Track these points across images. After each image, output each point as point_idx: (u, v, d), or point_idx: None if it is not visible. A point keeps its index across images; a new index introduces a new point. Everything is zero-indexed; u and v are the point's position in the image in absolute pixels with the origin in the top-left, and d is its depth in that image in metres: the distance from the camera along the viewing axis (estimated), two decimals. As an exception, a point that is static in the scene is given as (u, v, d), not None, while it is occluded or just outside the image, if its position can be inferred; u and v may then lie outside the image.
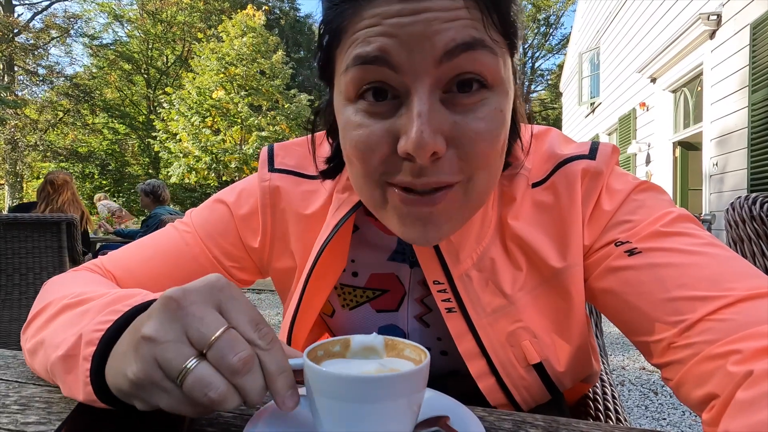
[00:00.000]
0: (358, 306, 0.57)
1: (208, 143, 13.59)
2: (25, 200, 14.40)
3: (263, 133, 13.70)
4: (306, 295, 0.51)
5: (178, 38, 19.91)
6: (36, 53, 17.23)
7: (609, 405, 0.67)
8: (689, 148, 6.06)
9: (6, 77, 15.64)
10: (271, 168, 0.55)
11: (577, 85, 10.27)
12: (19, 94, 16.55)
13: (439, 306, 0.48)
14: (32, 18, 17.62)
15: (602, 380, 0.75)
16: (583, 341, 0.50)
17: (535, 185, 0.48)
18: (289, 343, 0.54)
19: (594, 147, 0.48)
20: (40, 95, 17.84)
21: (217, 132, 14.01)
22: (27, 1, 17.56)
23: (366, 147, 0.38)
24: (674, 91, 6.12)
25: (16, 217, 2.55)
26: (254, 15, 14.64)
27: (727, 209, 0.84)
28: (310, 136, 0.53)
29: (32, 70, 17.34)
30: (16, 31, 16.02)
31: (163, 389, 0.28)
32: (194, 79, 14.09)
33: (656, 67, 6.05)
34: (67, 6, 19.44)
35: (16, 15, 16.92)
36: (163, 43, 20.01)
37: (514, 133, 0.46)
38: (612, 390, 0.73)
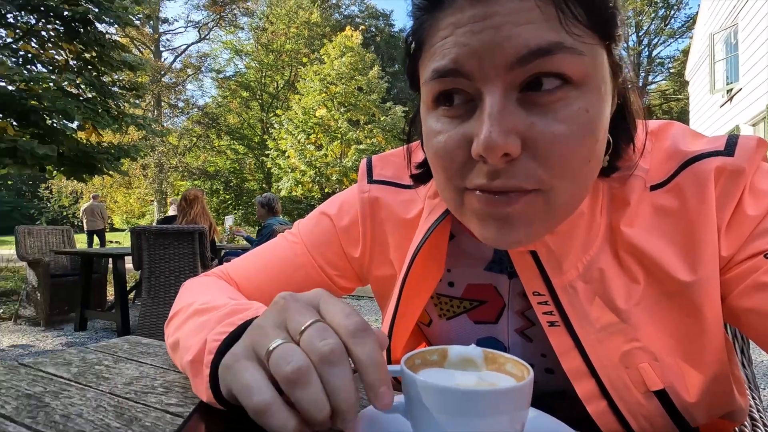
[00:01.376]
0: (455, 316, 0.55)
1: (312, 158, 14.70)
2: (168, 214, 17.08)
3: (361, 146, 14.38)
4: (402, 302, 0.51)
5: (286, 65, 22.00)
6: (177, 89, 20.49)
7: (763, 449, 0.55)
8: None
9: (155, 111, 18.83)
10: (370, 179, 0.57)
11: (708, 70, 8.89)
12: (165, 124, 19.77)
13: (540, 319, 0.45)
14: (174, 60, 21.04)
15: (753, 419, 0.63)
16: (721, 369, 0.43)
17: (654, 188, 0.42)
18: (388, 351, 0.55)
19: (731, 141, 0.41)
20: (179, 124, 21.14)
21: (319, 147, 15.09)
22: (170, 47, 21.02)
23: (444, 153, 0.37)
24: None
25: (162, 228, 3.03)
26: (352, 35, 15.53)
27: None
28: (405, 146, 0.54)
29: (174, 104, 20.65)
30: (162, 73, 19.24)
31: (251, 367, 0.30)
32: (300, 100, 15.41)
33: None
34: (199, 47, 22.89)
35: (162, 59, 20.34)
36: (274, 70, 22.29)
37: (626, 133, 0.42)
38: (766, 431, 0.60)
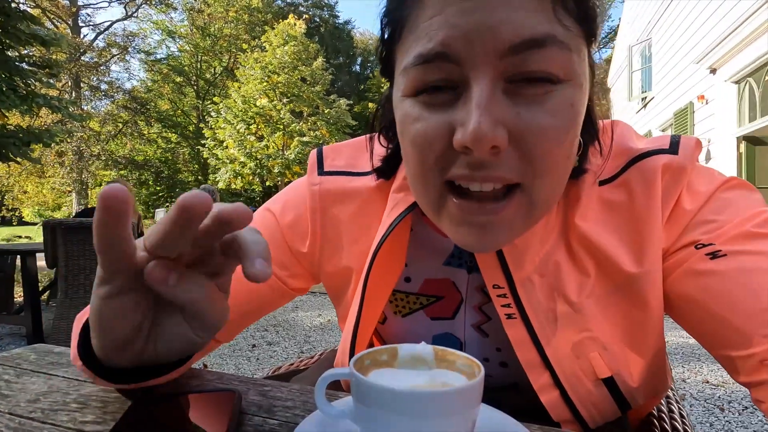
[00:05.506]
0: (411, 313, 0.54)
1: (253, 149, 14.11)
2: (89, 206, 15.55)
3: (304, 138, 14.04)
4: (366, 300, 0.49)
5: (224, 50, 20.85)
6: (99, 70, 18.63)
7: (677, 424, 0.60)
8: (756, 143, 5.57)
9: (73, 93, 17.00)
10: (321, 171, 0.54)
11: (626, 79, 9.74)
12: (84, 108, 17.93)
13: (499, 312, 0.45)
14: (96, 38, 19.07)
15: (667, 397, 0.69)
16: (659, 353, 0.46)
17: (603, 183, 0.44)
18: (351, 350, 0.52)
19: (675, 140, 0.43)
20: (102, 109, 19.28)
21: (261, 138, 14.51)
22: (91, 23, 19.06)
23: (424, 141, 0.35)
24: (737, 82, 5.65)
25: (80, 221, 2.74)
26: (295, 24, 15.06)
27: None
28: (367, 135, 0.52)
29: (95, 85, 18.76)
30: (82, 50, 17.39)
31: None
32: (239, 88, 14.70)
33: (716, 57, 5.61)
34: (126, 25, 20.94)
35: (82, 36, 18.39)
36: (211, 55, 21.03)
37: (591, 133, 0.42)
38: (679, 407, 0.66)
